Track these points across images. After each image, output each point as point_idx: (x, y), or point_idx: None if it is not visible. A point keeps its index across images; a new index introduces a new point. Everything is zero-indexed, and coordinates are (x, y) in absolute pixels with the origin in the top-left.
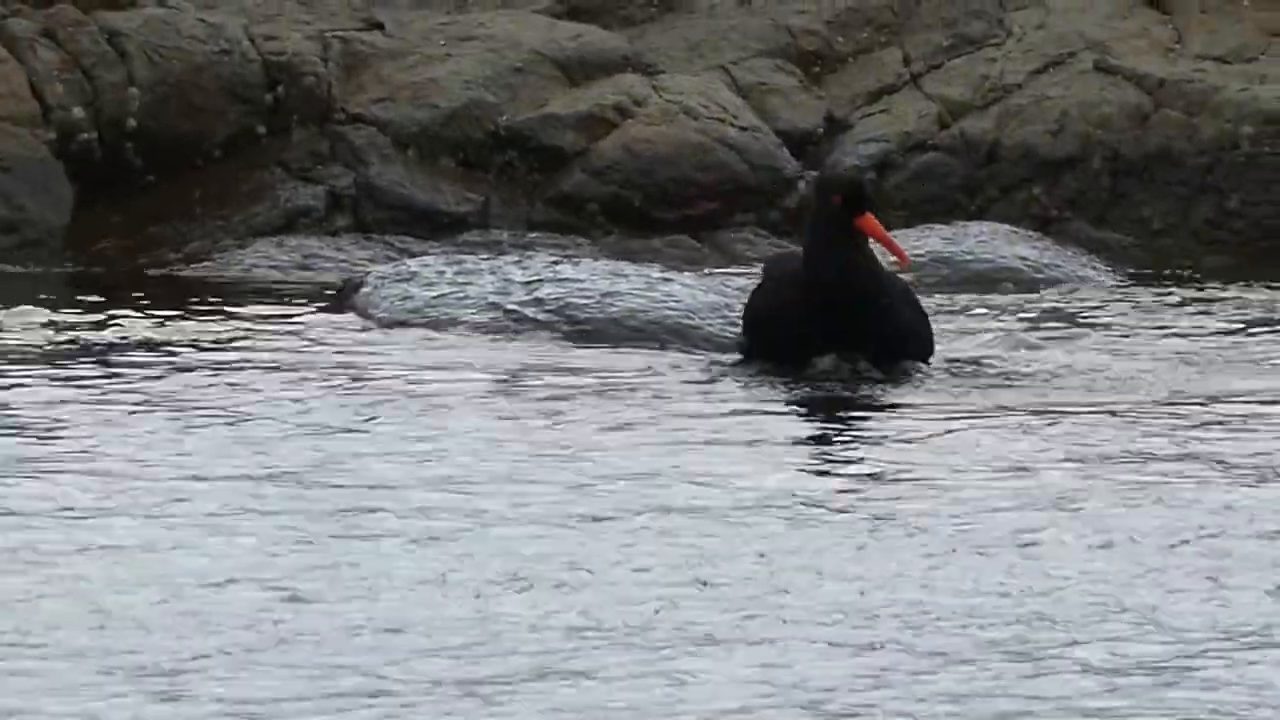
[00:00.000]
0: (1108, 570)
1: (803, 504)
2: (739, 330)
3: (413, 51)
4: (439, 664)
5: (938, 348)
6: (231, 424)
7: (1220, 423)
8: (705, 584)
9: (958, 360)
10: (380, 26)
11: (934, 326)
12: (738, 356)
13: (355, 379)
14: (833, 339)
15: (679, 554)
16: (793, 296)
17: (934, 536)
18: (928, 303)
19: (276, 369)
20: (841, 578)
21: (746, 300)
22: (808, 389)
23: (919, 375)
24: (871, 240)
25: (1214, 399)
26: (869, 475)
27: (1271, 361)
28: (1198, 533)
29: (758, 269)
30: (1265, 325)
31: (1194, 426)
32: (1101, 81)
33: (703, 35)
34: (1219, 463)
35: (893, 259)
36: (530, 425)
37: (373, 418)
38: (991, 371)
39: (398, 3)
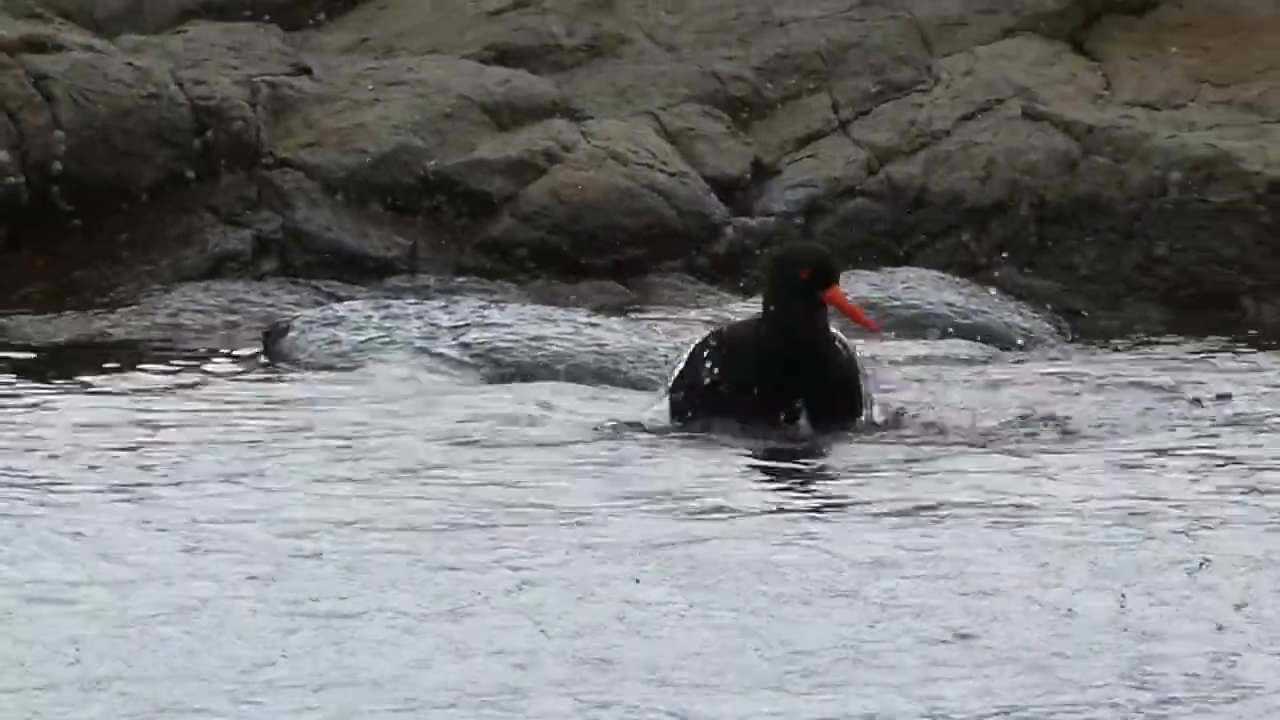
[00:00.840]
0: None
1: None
2: (673, 390)
3: (341, 96)
4: None
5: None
6: (151, 467)
7: (1136, 466)
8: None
9: (884, 405)
10: (308, 71)
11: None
12: (664, 405)
13: (279, 423)
14: (790, 401)
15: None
16: (749, 361)
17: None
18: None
19: (200, 413)
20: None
21: (686, 363)
22: (747, 444)
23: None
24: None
25: (1127, 446)
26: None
27: (1188, 410)
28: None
29: (685, 314)
30: (1188, 371)
31: (1107, 469)
32: (1029, 128)
33: (631, 81)
34: (1114, 508)
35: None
36: (454, 468)
37: (296, 462)
38: (916, 418)
39: (326, 48)
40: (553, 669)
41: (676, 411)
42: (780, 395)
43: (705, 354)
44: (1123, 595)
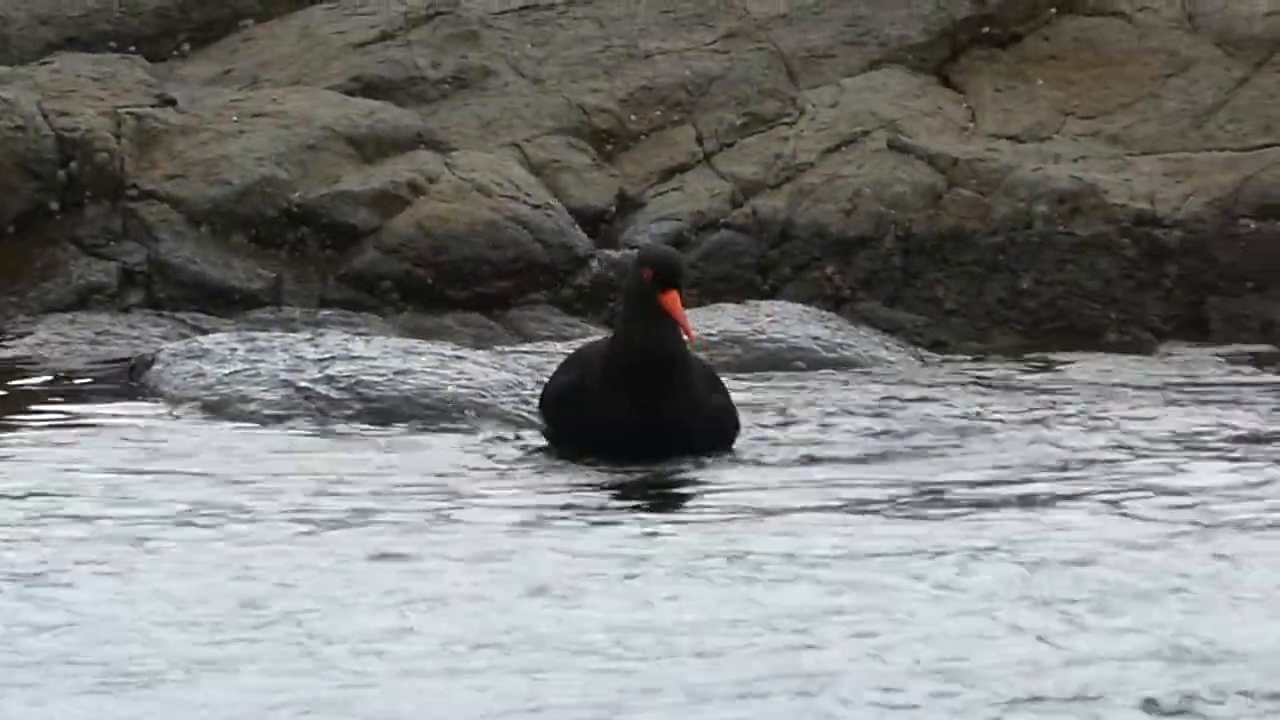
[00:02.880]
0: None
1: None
2: (539, 412)
3: (206, 128)
4: None
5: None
6: (13, 499)
7: (985, 504)
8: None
9: (756, 439)
10: (173, 103)
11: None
12: (534, 435)
13: (142, 456)
14: (639, 410)
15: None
16: (600, 369)
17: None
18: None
19: (62, 445)
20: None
21: (550, 380)
22: (607, 469)
23: (725, 457)
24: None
25: (984, 481)
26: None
27: (1050, 440)
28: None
29: (550, 346)
30: (1049, 404)
31: (968, 508)
32: (894, 160)
33: (496, 113)
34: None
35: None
36: (315, 505)
37: (154, 496)
38: (785, 451)
39: (191, 79)
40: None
41: (545, 433)
42: (625, 403)
43: (560, 367)
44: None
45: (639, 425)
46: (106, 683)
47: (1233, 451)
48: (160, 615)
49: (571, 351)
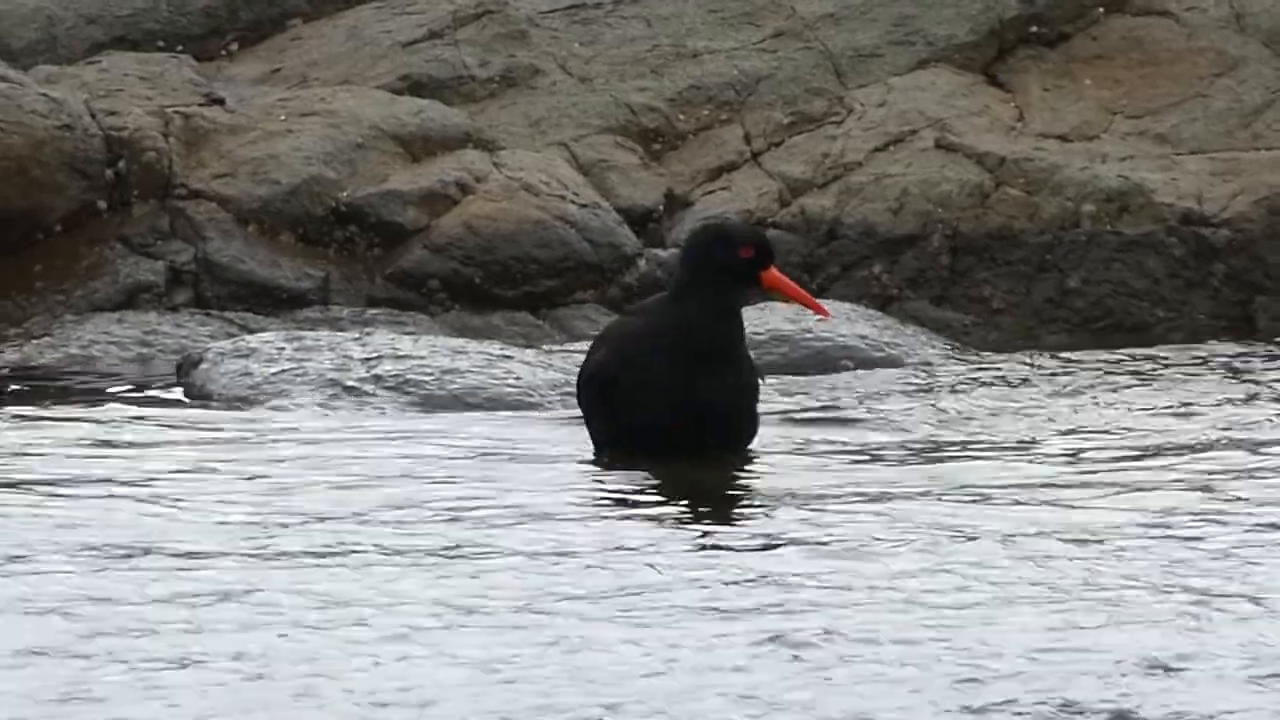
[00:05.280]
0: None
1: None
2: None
3: (254, 127)
4: None
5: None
6: (64, 496)
7: (1050, 501)
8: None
9: (792, 437)
10: (221, 102)
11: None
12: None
13: (191, 456)
14: (696, 393)
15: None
16: (649, 345)
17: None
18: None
19: (110, 444)
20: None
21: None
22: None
23: (755, 451)
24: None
25: (1038, 483)
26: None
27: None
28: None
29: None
30: (1098, 402)
31: (1011, 503)
32: (942, 159)
33: (544, 112)
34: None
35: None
36: (366, 502)
37: (204, 493)
38: (820, 448)
39: (239, 78)
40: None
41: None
42: (679, 394)
43: (594, 346)
44: None
45: (695, 403)
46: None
47: None
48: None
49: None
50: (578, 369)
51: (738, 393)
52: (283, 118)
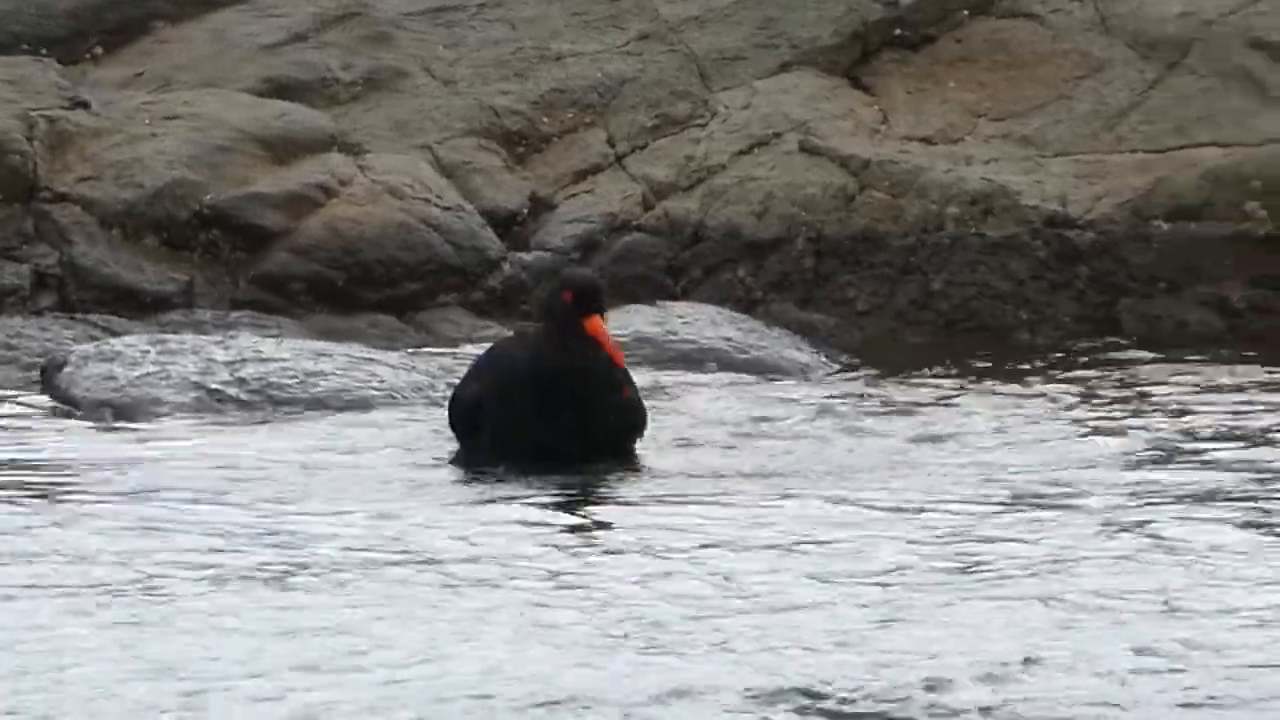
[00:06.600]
0: None
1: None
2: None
3: (118, 130)
4: None
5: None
6: None
7: (895, 510)
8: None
9: (665, 442)
10: (86, 105)
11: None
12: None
13: (52, 459)
14: (559, 426)
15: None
16: (514, 381)
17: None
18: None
19: None
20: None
21: (460, 389)
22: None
23: (634, 457)
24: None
25: (893, 487)
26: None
27: (962, 440)
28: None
29: (461, 350)
30: (958, 406)
31: (869, 509)
32: (806, 162)
33: (408, 115)
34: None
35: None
36: (226, 508)
37: (64, 499)
38: (697, 452)
39: (103, 82)
40: None
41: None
42: (545, 418)
43: (472, 369)
44: None
45: (559, 439)
46: None
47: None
48: None
49: (479, 356)
50: (441, 371)
51: (610, 417)
52: (147, 121)
